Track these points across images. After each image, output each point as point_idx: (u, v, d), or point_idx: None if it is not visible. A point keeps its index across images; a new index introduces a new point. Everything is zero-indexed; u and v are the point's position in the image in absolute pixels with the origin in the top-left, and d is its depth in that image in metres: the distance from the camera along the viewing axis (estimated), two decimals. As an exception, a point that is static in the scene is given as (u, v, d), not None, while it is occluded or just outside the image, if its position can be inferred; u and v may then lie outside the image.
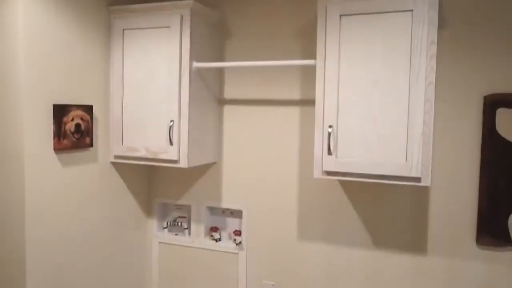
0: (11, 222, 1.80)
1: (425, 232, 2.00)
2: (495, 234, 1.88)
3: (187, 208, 2.51)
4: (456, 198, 1.95)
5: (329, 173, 1.82)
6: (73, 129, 1.95)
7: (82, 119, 2.00)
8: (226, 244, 2.38)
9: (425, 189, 1.99)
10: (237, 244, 2.34)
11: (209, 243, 2.41)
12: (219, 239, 2.40)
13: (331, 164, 1.80)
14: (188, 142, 2.05)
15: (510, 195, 1.85)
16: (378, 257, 2.08)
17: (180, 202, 2.49)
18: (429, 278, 2.00)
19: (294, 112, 2.21)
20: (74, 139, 1.96)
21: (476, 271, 1.93)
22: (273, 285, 2.29)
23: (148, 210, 2.56)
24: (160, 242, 2.54)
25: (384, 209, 2.06)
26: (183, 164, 2.06)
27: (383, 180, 1.74)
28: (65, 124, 1.91)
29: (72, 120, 1.95)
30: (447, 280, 1.98)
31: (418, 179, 1.69)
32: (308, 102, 2.18)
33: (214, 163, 2.39)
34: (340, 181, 2.13)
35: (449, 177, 1.96)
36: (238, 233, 2.36)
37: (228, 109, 2.35)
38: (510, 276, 1.88)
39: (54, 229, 1.92)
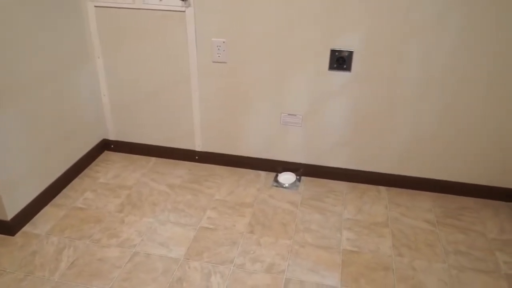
0: None
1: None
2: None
3: (123, -37, 2.17)
4: None
5: None
6: None
7: None
8: (171, 1, 2.15)
9: None
10: (183, 0, 2.12)
11: (152, 2, 2.17)
12: (163, -3, 2.16)
13: None
14: None
15: None
16: None
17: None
18: None
19: None
20: None
21: None
22: (224, 42, 2.17)
23: (76, -32, 2.21)
24: (96, 6, 2.27)
25: None
26: None
27: None
28: None
29: None
30: None
31: None
32: None
33: None
34: None
35: None
36: (183, -13, 2.11)
37: None
38: None
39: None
